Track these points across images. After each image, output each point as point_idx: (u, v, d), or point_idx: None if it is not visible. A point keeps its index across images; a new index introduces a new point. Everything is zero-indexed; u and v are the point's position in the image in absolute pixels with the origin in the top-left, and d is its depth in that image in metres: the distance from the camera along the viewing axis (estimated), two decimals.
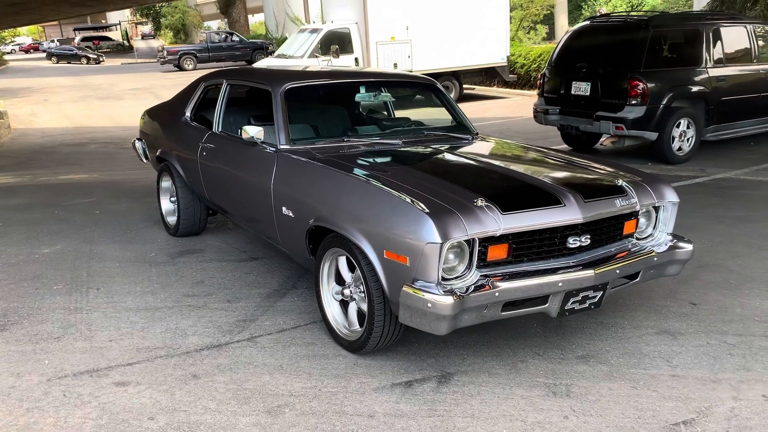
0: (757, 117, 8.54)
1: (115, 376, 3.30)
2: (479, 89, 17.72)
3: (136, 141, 6.23)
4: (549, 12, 22.91)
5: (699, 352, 3.42)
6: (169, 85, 21.95)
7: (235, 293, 4.35)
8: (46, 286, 4.56)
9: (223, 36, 33.14)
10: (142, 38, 62.21)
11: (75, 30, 60.43)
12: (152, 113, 6.20)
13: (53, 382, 3.25)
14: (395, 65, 14.22)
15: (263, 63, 15.93)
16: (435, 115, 4.92)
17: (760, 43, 8.55)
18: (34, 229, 6.00)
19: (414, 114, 5.04)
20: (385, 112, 5.41)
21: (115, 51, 51.67)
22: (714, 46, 8.03)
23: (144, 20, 56.31)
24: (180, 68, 30.06)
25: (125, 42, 55.36)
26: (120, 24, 59.44)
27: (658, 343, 3.52)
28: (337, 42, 13.98)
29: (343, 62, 13.69)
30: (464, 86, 16.06)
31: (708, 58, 7.97)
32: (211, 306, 4.15)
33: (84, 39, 53.80)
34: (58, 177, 8.50)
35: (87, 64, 33.40)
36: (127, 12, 62.91)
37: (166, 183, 5.69)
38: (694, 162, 7.96)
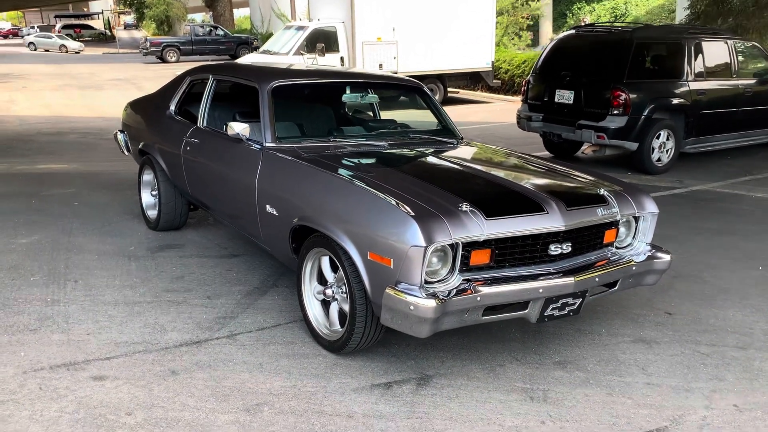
0: (735, 131, 8.68)
1: (92, 370, 3.27)
2: (463, 93, 17.81)
3: (118, 133, 6.16)
4: (534, 21, 23.10)
5: (673, 361, 3.48)
6: (151, 76, 21.73)
7: (216, 290, 4.33)
8: (23, 277, 4.50)
9: (208, 29, 32.80)
10: (125, 28, 61.47)
11: (56, 17, 59.56)
12: (135, 105, 6.14)
13: (29, 374, 3.21)
14: (380, 66, 14.23)
15: (248, 58, 15.85)
16: (421, 117, 4.94)
17: (740, 58, 8.70)
18: (10, 218, 5.91)
19: (399, 116, 5.06)
20: (371, 113, 5.42)
21: (96, 40, 50.98)
22: (695, 60, 8.16)
23: (127, 10, 55.62)
24: (163, 60, 29.74)
25: (107, 31, 54.66)
26: (102, 13, 58.69)
27: (634, 351, 3.58)
28: (323, 40, 13.95)
29: (329, 61, 13.64)
30: (449, 89, 16.13)
31: (689, 71, 8.10)
32: (190, 302, 4.13)
33: (65, 27, 53.04)
34: (36, 166, 8.37)
35: (66, 53, 32.96)
36: (110, 1, 62.15)
37: (147, 176, 5.64)
38: (672, 173, 8.08)
